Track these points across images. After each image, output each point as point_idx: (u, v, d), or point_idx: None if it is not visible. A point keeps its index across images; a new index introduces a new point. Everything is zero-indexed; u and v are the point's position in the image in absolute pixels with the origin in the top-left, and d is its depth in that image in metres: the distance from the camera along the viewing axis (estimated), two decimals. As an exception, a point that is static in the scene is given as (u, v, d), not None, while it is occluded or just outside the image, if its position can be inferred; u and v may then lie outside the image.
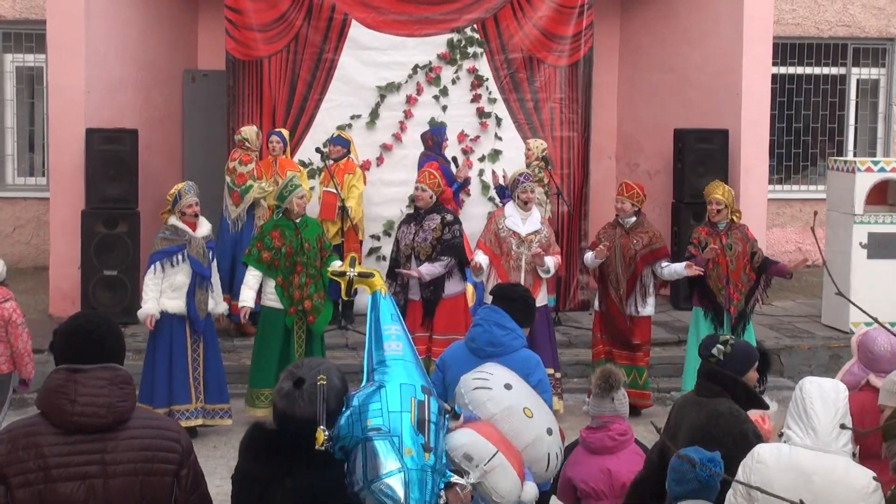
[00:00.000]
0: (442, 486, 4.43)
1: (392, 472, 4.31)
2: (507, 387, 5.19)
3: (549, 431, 5.15)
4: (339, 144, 11.91)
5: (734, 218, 10.03)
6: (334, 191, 11.58)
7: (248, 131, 11.70)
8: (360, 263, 5.78)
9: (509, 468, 4.72)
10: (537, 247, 9.86)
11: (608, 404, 5.83)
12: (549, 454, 5.10)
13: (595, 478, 5.76)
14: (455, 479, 4.48)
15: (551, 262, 9.88)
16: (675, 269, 10.00)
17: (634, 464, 5.77)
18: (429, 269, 9.58)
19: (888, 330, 4.05)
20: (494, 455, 4.70)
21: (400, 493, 4.27)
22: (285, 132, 11.97)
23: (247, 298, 9.58)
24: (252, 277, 9.57)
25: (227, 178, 11.64)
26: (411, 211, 10.24)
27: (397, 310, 5.27)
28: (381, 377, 4.75)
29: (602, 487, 5.76)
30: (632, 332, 10.08)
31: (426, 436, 4.45)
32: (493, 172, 12.28)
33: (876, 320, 2.83)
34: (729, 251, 9.92)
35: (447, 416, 4.74)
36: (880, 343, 6.25)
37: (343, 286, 5.73)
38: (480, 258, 9.80)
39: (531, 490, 4.91)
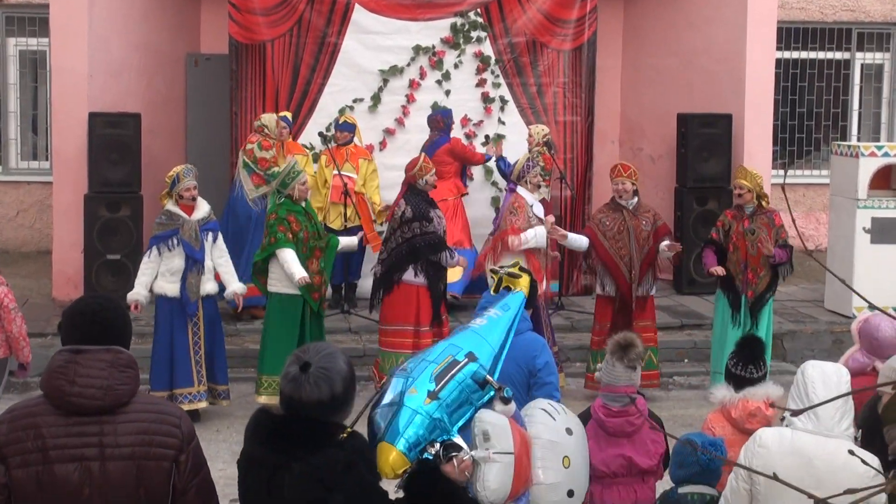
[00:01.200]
0: (440, 440, 4.40)
1: (389, 404, 4.39)
2: (569, 431, 5.21)
3: (571, 493, 5.10)
4: (347, 130, 11.89)
5: (763, 203, 9.99)
6: (353, 175, 11.60)
7: (269, 119, 11.63)
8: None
9: (510, 475, 4.62)
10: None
11: (625, 374, 5.76)
12: None
13: (614, 462, 5.80)
14: (458, 440, 4.45)
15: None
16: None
17: (651, 448, 5.80)
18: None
19: (890, 315, 4.05)
20: (508, 453, 4.64)
21: (384, 424, 4.32)
22: (289, 115, 11.97)
23: (302, 271, 9.38)
24: (292, 254, 9.36)
25: (246, 160, 11.55)
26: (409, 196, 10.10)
27: (520, 309, 5.34)
28: (448, 336, 4.92)
29: (621, 471, 5.81)
30: (641, 313, 10.06)
31: (438, 385, 4.46)
32: (499, 144, 12.26)
33: (876, 307, 2.83)
34: (751, 236, 9.90)
35: (491, 390, 4.67)
36: (884, 329, 6.25)
37: (494, 282, 5.93)
38: (531, 232, 9.86)
39: None
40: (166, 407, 4.14)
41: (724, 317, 10.09)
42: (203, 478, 4.06)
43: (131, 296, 9.24)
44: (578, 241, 10.09)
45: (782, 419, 4.95)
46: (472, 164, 12.24)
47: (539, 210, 10.12)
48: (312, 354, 4.24)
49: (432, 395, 4.43)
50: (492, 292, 6.09)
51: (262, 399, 9.51)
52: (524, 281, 5.69)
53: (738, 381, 6.11)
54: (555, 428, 5.12)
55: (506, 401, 4.71)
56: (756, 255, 9.89)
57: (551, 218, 10.13)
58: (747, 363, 6.15)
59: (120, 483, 3.88)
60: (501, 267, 6.14)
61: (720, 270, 9.86)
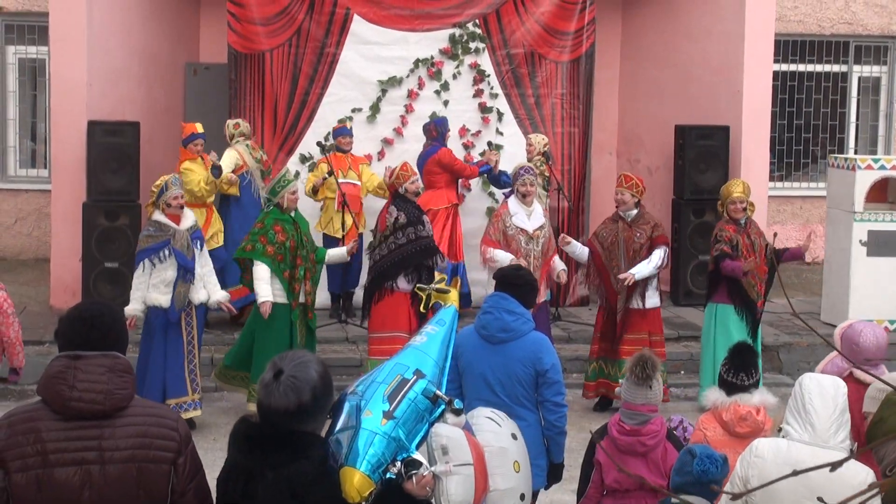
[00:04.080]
0: (401, 458, 4.44)
1: (346, 428, 4.40)
2: (513, 437, 5.33)
3: (522, 497, 5.23)
4: (349, 134, 11.94)
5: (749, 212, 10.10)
6: (357, 182, 11.62)
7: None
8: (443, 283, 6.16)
9: (471, 485, 4.69)
10: (544, 242, 9.87)
11: (642, 392, 5.82)
12: None
13: (627, 480, 5.86)
14: (417, 456, 4.48)
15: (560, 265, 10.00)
16: (646, 268, 9.92)
17: (664, 468, 5.82)
18: None
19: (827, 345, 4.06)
20: (467, 465, 4.70)
21: (344, 448, 4.35)
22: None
23: (268, 293, 9.37)
24: (265, 271, 9.38)
25: (262, 168, 11.72)
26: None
27: (454, 321, 5.40)
28: (392, 357, 4.94)
29: (633, 488, 5.87)
30: (639, 326, 10.05)
31: (392, 405, 4.50)
32: (491, 151, 12.29)
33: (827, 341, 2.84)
34: (756, 249, 9.97)
35: (442, 403, 4.73)
36: (866, 335, 6.29)
37: (423, 300, 6.01)
38: (502, 255, 9.64)
39: None
40: (163, 411, 4.18)
41: (726, 330, 9.97)
42: (200, 480, 4.11)
43: (128, 311, 9.06)
44: (579, 250, 10.15)
45: (779, 430, 4.97)
46: (462, 177, 12.16)
47: (524, 221, 9.89)
48: (287, 362, 4.26)
49: (388, 415, 4.48)
50: (422, 309, 6.18)
51: (251, 407, 9.57)
52: (453, 295, 5.79)
53: (730, 388, 6.16)
54: (502, 434, 5.21)
55: (457, 412, 4.79)
56: (760, 265, 9.99)
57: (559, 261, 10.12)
58: (739, 371, 6.20)
59: (120, 486, 3.92)
60: (428, 286, 6.25)
61: (750, 262, 9.82)
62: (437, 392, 4.72)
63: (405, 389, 4.61)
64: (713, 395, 6.20)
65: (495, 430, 5.23)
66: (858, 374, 6.09)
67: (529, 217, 9.91)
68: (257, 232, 9.48)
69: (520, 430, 5.51)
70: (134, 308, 9.14)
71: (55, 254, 12.39)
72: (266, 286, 9.37)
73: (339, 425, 4.45)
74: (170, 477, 3.99)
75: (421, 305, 6.08)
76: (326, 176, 11.43)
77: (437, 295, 5.90)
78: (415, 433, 4.60)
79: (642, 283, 9.98)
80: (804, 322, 3.18)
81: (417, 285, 6.68)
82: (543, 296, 9.99)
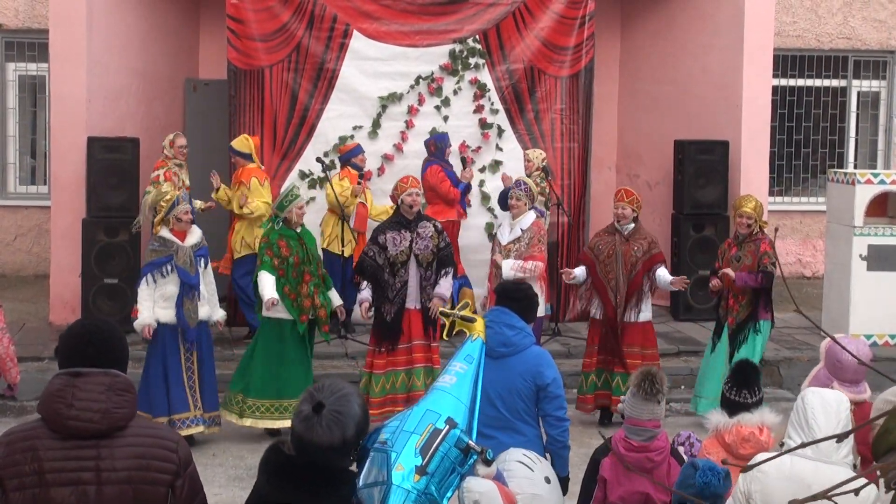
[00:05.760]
0: None
1: (375, 482, 4.32)
2: (547, 480, 5.30)
3: None
4: (364, 152, 11.99)
5: (760, 226, 10.09)
6: (365, 202, 11.71)
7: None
8: (470, 309, 6.13)
9: None
10: (514, 256, 10.00)
11: (649, 407, 5.77)
12: None
13: (632, 498, 5.82)
14: None
15: (506, 265, 9.97)
16: (662, 279, 10.00)
17: (669, 482, 5.79)
18: (447, 288, 9.74)
19: (840, 345, 4.06)
20: None
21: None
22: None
23: (272, 293, 9.40)
24: (269, 278, 9.45)
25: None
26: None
27: (481, 355, 5.42)
28: (420, 401, 4.89)
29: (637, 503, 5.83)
30: (633, 339, 10.05)
31: (425, 460, 4.43)
32: (504, 175, 12.28)
33: (831, 336, 2.83)
34: (735, 263, 9.97)
35: (473, 455, 4.65)
36: (846, 353, 6.27)
37: (447, 326, 5.98)
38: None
39: None
40: (163, 432, 4.14)
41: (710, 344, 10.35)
42: (200, 502, 4.06)
43: (142, 322, 9.11)
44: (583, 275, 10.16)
45: (781, 445, 4.95)
46: (446, 200, 12.02)
47: (503, 234, 10.17)
48: (327, 394, 4.14)
49: (420, 471, 4.40)
50: (444, 336, 6.15)
51: (248, 423, 9.64)
52: (479, 325, 5.80)
53: (733, 406, 6.10)
54: (534, 480, 5.18)
55: (488, 463, 4.73)
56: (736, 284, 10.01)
57: (502, 260, 10.14)
58: (741, 388, 6.15)
59: None
60: (452, 311, 6.20)
61: (715, 281, 10.10)
62: (470, 443, 4.65)
63: (437, 442, 4.53)
64: (715, 418, 6.15)
65: (528, 475, 5.19)
66: (839, 390, 6.09)
67: (511, 230, 10.14)
68: (263, 246, 9.65)
69: (553, 473, 5.47)
70: (147, 316, 9.14)
71: (55, 270, 12.39)
72: (270, 288, 9.44)
73: (367, 478, 4.35)
74: (167, 499, 3.95)
75: (444, 332, 6.04)
76: (360, 182, 11.65)
77: (462, 323, 5.86)
78: (446, 486, 4.53)
79: (638, 296, 10.00)
80: (825, 332, 3.17)
81: (440, 310, 6.64)
82: (542, 310, 10.04)
